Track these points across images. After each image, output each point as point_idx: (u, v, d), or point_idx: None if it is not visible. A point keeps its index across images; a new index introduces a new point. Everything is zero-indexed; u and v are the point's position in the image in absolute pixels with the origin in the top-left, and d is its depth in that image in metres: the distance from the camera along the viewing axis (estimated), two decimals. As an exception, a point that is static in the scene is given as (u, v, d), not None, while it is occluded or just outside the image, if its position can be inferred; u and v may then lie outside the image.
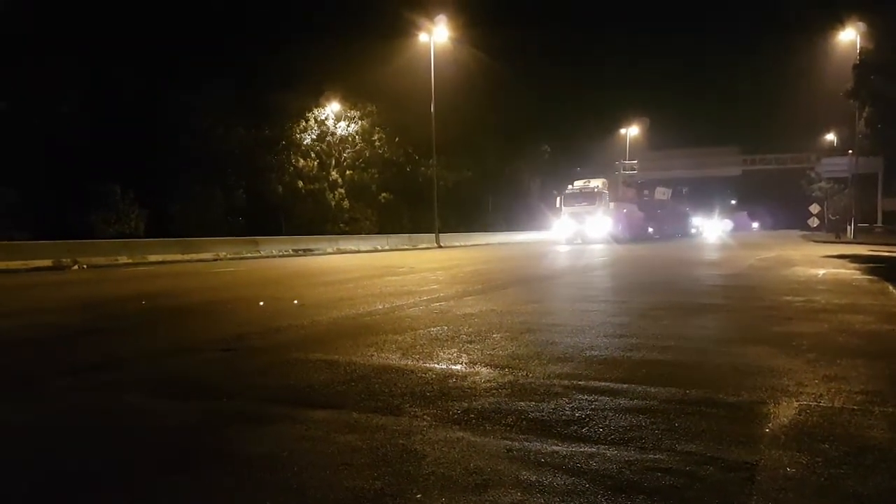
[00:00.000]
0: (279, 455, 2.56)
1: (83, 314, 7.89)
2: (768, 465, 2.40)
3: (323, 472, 2.39)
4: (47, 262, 19.74)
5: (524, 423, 2.90)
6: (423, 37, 33.09)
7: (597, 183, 35.75)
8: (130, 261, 21.94)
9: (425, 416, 3.01)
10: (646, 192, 45.50)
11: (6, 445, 2.84)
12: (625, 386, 3.53)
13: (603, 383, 3.59)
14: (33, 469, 2.54)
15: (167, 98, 29.97)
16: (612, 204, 35.40)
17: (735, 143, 62.35)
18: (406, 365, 4.11)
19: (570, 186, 36.32)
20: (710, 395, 3.33)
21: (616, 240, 32.77)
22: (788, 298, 7.57)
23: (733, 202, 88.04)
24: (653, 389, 3.47)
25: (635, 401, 3.25)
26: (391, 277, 12.31)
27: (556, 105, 55.82)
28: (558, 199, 35.93)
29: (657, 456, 2.49)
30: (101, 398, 3.55)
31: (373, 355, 4.44)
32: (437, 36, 32.97)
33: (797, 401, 3.22)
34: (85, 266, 19.86)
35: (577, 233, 34.07)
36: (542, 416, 3.00)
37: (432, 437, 2.73)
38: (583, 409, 3.09)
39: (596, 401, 3.25)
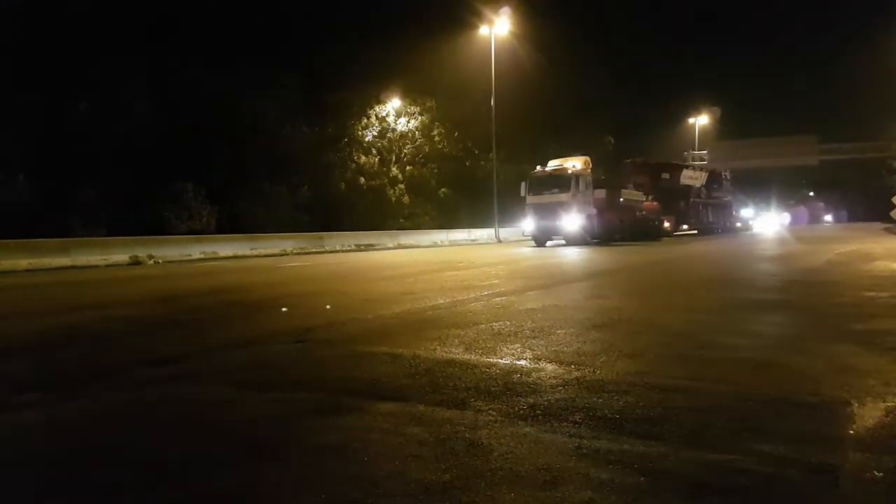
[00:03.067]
0: (351, 446, 2.62)
1: (160, 307, 8.28)
2: (853, 469, 2.29)
3: (392, 462, 2.43)
4: (124, 258, 20.83)
5: (593, 420, 2.86)
6: (483, 30, 32.91)
7: (574, 162, 27.36)
8: (202, 256, 22.91)
9: (491, 411, 3.02)
10: (665, 175, 36.43)
11: (95, 435, 3.00)
12: (697, 384, 3.43)
13: (674, 381, 3.50)
14: (123, 456, 2.69)
15: (237, 99, 31.02)
16: (601, 191, 28.10)
17: (813, 132, 59.23)
18: (469, 359, 4.12)
19: (538, 167, 28.17)
20: (788, 395, 3.20)
21: (595, 237, 26.14)
22: (870, 294, 7.18)
23: (811, 193, 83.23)
24: (726, 388, 3.36)
25: (708, 399, 3.16)
26: (452, 272, 12.36)
27: (622, 95, 54.68)
28: (523, 184, 27.41)
29: (733, 456, 2.41)
30: (184, 388, 3.72)
31: (436, 349, 4.47)
32: (497, 28, 32.67)
33: (884, 401, 3.05)
34: (159, 261, 20.84)
35: (544, 229, 26.23)
36: (612, 413, 2.95)
37: (499, 431, 2.73)
38: (654, 408, 3.02)
39: (667, 399, 3.17)
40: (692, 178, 39.06)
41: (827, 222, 75.98)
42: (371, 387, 3.53)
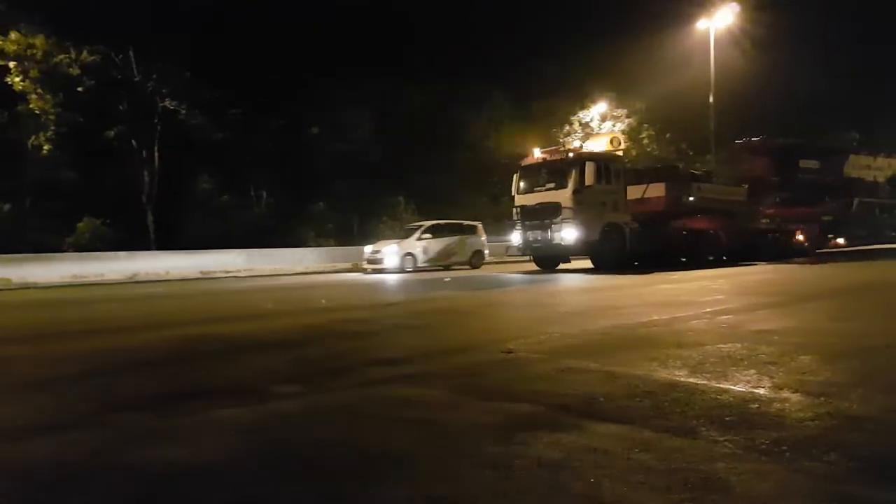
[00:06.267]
0: (573, 464, 2.57)
1: (382, 311, 8.95)
2: None
3: (619, 487, 2.33)
4: (347, 265, 22.99)
5: (850, 462, 2.48)
6: (700, 23, 30.66)
7: (592, 142, 18.52)
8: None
9: (726, 443, 2.76)
10: (807, 163, 23.43)
11: (336, 427, 3.31)
12: None
13: (957, 425, 2.92)
14: (356, 448, 2.92)
15: (445, 114, 32.77)
16: (658, 186, 18.87)
17: None
18: (696, 384, 3.82)
19: (536, 151, 19.00)
20: None
21: (632, 257, 17.90)
22: None
23: None
24: None
25: None
26: (662, 285, 11.72)
27: (867, 87, 47.60)
28: (515, 177, 19.19)
29: None
30: (411, 389, 3.95)
31: (655, 370, 4.22)
32: (717, 21, 30.18)
33: None
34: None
35: (534, 245, 18.07)
36: (874, 456, 2.54)
37: (738, 466, 2.49)
38: (931, 455, 2.55)
39: (949, 446, 2.66)
40: (868, 167, 25.31)
41: None
42: (588, 405, 3.43)
